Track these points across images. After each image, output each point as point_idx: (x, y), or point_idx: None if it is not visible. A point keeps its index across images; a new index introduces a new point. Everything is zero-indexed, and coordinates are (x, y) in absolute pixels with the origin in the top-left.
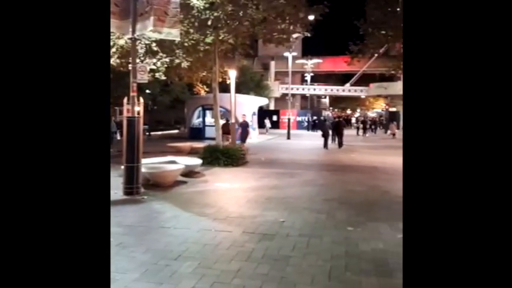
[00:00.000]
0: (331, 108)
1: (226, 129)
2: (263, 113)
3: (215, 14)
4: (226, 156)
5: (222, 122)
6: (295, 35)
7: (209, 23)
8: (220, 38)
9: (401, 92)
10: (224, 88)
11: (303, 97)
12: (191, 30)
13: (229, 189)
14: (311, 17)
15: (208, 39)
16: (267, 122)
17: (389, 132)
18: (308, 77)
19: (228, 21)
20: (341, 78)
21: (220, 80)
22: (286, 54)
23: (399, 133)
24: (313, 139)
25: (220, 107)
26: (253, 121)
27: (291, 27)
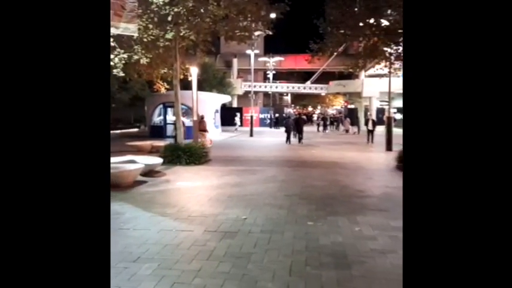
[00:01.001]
0: (293, 105)
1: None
2: (232, 111)
3: (175, 9)
4: (188, 154)
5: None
6: (257, 33)
7: (169, 18)
8: (181, 34)
9: (358, 90)
10: (186, 85)
11: (266, 94)
12: (150, 26)
13: (191, 187)
14: (273, 15)
15: (169, 35)
16: (237, 120)
17: (342, 128)
18: (270, 75)
19: (189, 17)
20: (302, 76)
21: (182, 77)
22: (248, 51)
23: (354, 129)
24: (276, 136)
25: (182, 104)
26: (215, 119)
27: (253, 25)
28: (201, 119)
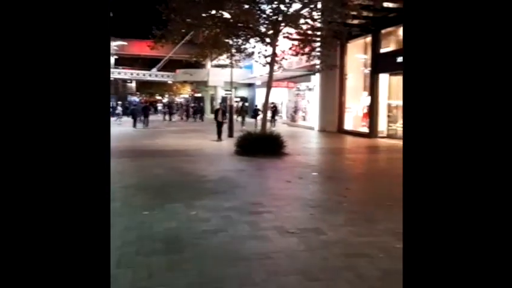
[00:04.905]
0: (138, 93)
1: None
2: None
3: None
4: None
5: None
6: None
7: None
8: None
9: (205, 79)
10: None
11: None
12: None
13: None
14: None
15: None
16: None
17: (177, 115)
18: (112, 60)
19: None
20: (148, 63)
21: None
22: None
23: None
24: (116, 126)
25: None
26: None
27: None
28: None
